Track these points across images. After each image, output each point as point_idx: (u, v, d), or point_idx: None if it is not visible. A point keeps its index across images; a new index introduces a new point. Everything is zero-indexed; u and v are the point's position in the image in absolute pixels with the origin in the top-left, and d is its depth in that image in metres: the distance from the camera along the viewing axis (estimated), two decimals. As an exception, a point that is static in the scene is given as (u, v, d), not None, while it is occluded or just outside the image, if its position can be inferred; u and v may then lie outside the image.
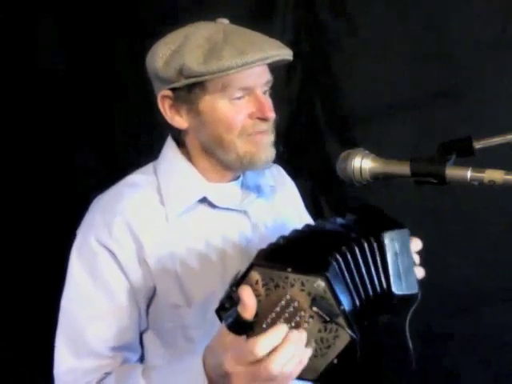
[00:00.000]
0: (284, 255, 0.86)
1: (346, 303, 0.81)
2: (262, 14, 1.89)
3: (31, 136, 1.98)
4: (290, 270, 0.81)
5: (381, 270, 0.89)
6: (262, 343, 0.80)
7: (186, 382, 0.89)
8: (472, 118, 1.77)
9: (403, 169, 0.89)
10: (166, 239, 1.08)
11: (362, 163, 0.92)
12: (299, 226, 0.98)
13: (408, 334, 0.91)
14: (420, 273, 1.00)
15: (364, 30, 1.87)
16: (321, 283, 0.80)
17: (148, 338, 1.12)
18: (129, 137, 1.99)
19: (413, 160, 0.88)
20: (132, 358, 1.11)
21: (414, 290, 0.92)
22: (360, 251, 0.88)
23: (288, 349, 0.80)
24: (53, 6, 1.95)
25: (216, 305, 0.88)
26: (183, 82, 1.05)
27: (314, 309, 0.80)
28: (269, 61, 1.05)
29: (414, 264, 0.97)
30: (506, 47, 1.77)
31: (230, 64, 1.01)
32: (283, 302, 0.82)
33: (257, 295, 0.83)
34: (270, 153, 1.11)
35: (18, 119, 1.98)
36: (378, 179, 0.93)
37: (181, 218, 1.10)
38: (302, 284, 0.81)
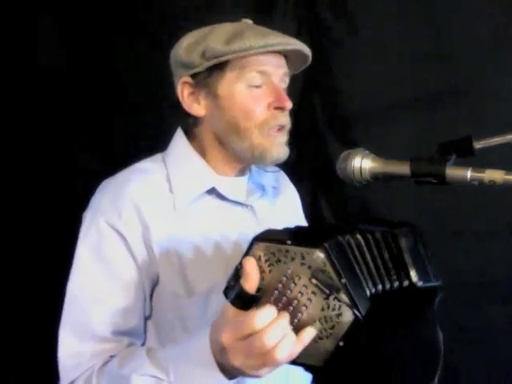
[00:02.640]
0: (289, 234, 0.84)
1: (350, 279, 0.78)
2: (262, 13, 1.89)
3: (31, 136, 1.98)
4: (289, 242, 0.80)
5: (400, 263, 0.86)
6: (260, 315, 0.79)
7: (192, 358, 0.87)
8: (472, 118, 1.76)
9: (403, 169, 0.88)
10: (172, 227, 1.08)
11: (362, 163, 0.92)
12: None
13: (438, 327, 0.89)
14: None
15: (364, 30, 1.87)
16: (320, 255, 0.78)
17: (147, 328, 1.11)
18: (129, 137, 1.98)
19: (413, 160, 0.88)
20: (137, 344, 1.10)
21: (437, 281, 0.91)
22: (374, 242, 0.86)
23: (282, 322, 0.79)
24: (53, 6, 1.95)
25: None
26: (205, 64, 1.08)
27: (314, 281, 0.78)
28: (289, 47, 1.09)
29: (431, 257, 0.95)
30: (506, 47, 1.77)
31: (251, 43, 1.04)
32: (285, 278, 0.80)
33: (260, 272, 0.82)
34: (283, 151, 1.12)
35: (17, 119, 1.98)
36: (378, 179, 0.93)
37: (188, 207, 1.11)
38: (302, 257, 0.79)
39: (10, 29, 1.95)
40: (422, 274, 0.88)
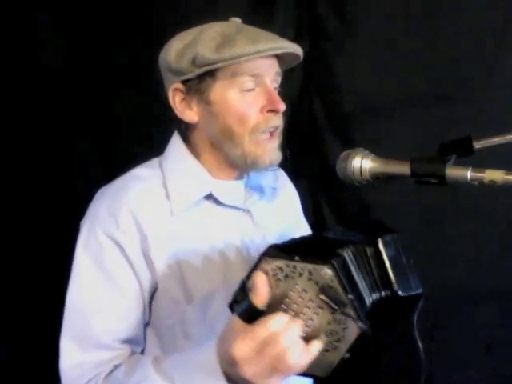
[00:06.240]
0: (293, 249, 0.86)
1: (354, 294, 0.80)
2: (262, 12, 1.89)
3: (30, 136, 1.98)
4: (297, 258, 0.82)
5: (382, 273, 0.88)
6: (275, 319, 0.81)
7: (198, 369, 0.88)
8: (472, 118, 1.76)
9: (403, 169, 0.89)
10: (169, 233, 1.08)
11: (362, 163, 0.92)
12: (298, 230, 0.98)
13: (417, 335, 0.90)
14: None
15: (364, 30, 1.87)
16: (327, 271, 0.79)
17: (147, 335, 1.12)
18: (129, 137, 1.98)
19: (413, 160, 0.88)
20: (137, 351, 1.10)
21: (418, 289, 0.92)
22: (361, 255, 0.87)
23: (295, 326, 0.81)
24: (52, 4, 1.94)
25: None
26: (195, 71, 1.06)
27: (322, 297, 0.80)
28: (280, 51, 1.08)
29: (413, 265, 0.97)
30: (506, 47, 1.77)
31: (242, 51, 1.03)
32: (292, 293, 0.82)
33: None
34: (275, 156, 1.12)
35: (17, 118, 1.98)
36: (378, 179, 0.93)
37: (185, 213, 1.10)
38: (310, 273, 0.81)
39: (9, 27, 1.95)
40: (403, 284, 0.89)
